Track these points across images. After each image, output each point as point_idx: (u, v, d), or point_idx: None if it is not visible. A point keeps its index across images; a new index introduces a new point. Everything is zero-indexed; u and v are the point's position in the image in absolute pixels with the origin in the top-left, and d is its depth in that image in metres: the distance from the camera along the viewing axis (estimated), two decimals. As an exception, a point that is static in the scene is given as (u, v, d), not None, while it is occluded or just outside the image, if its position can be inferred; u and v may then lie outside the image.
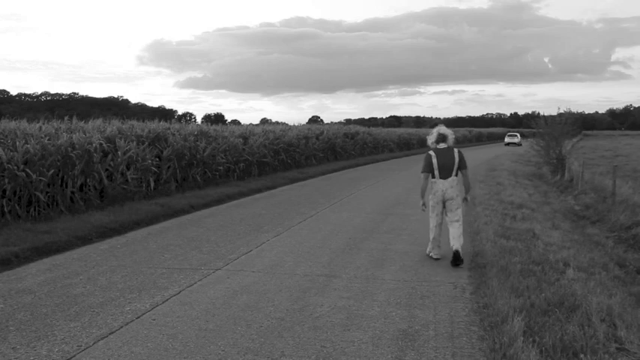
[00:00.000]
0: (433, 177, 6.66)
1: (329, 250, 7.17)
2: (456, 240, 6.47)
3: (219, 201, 11.79)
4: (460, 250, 6.42)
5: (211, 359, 3.78)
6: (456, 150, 6.71)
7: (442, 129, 6.86)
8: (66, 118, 12.58)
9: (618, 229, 9.51)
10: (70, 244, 7.26)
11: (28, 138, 9.58)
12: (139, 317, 4.57)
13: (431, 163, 6.63)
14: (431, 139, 6.86)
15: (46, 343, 4.01)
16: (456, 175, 6.63)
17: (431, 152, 6.72)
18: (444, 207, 6.66)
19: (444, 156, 6.63)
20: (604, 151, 34.98)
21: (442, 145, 6.72)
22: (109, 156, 10.95)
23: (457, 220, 6.57)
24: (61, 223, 8.28)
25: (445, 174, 6.58)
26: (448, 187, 6.58)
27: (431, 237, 6.79)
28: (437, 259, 6.69)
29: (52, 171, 9.29)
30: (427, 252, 6.91)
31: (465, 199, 6.81)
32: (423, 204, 6.89)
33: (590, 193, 13.37)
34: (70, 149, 9.90)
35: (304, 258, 6.73)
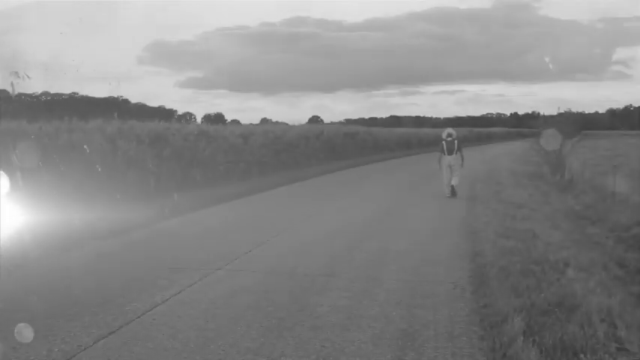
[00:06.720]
0: (444, 154, 12.87)
1: (329, 250, 7.17)
2: (454, 180, 12.70)
3: (219, 201, 11.79)
4: (455, 185, 12.66)
5: (211, 359, 3.78)
6: (456, 141, 13.04)
7: (450, 130, 13.41)
8: (66, 118, 12.57)
9: (618, 229, 9.50)
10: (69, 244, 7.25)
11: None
12: (139, 317, 4.57)
13: (443, 147, 12.95)
14: (443, 135, 13.24)
15: (46, 343, 4.01)
16: (456, 154, 12.79)
17: (442, 142, 13.07)
18: (450, 170, 12.72)
19: (450, 144, 12.94)
20: (604, 150, 34.87)
21: (449, 138, 13.03)
22: (109, 156, 10.95)
23: (456, 176, 12.76)
24: (61, 223, 8.26)
25: (450, 153, 12.82)
26: (452, 159, 12.76)
27: (445, 187, 12.78)
28: (449, 197, 12.56)
29: (52, 171, 9.28)
30: (446, 193, 12.70)
31: (461, 165, 12.92)
32: (439, 167, 13.03)
33: (590, 193, 13.37)
34: (70, 149, 9.89)
35: (304, 258, 6.73)
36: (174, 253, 6.94)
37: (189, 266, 6.23)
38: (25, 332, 4.03)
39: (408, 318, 4.59)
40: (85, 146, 10.26)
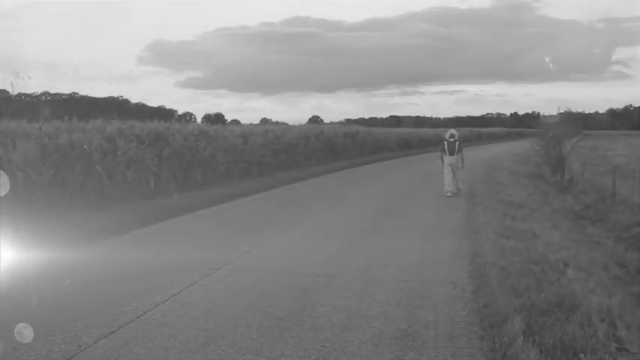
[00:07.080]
0: (446, 154, 13.14)
1: (329, 250, 7.17)
2: (456, 186, 13.08)
3: (219, 201, 11.79)
4: (457, 190, 13.00)
5: (211, 359, 3.78)
6: (457, 142, 13.31)
7: (452, 131, 13.82)
8: (66, 118, 12.55)
9: (618, 229, 9.50)
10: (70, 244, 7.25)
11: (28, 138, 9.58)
12: (139, 317, 4.57)
13: (444, 147, 13.30)
14: (446, 136, 13.60)
15: (46, 343, 4.01)
16: (457, 154, 13.07)
17: (444, 142, 13.41)
18: (451, 170, 12.96)
19: (451, 144, 13.26)
20: (604, 151, 34.87)
21: (451, 139, 13.36)
22: (109, 156, 10.95)
23: (457, 176, 13.12)
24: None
25: (451, 153, 13.10)
26: (453, 160, 13.03)
27: (445, 185, 12.98)
28: (449, 196, 12.71)
29: (52, 171, 9.28)
30: (445, 192, 12.88)
31: (462, 167, 13.29)
32: (442, 162, 13.24)
33: (590, 193, 13.37)
34: (69, 149, 9.89)
35: (304, 257, 6.73)
36: (176, 252, 6.95)
37: (190, 266, 6.23)
38: (25, 332, 4.03)
39: (408, 318, 4.59)
40: (85, 146, 10.25)
